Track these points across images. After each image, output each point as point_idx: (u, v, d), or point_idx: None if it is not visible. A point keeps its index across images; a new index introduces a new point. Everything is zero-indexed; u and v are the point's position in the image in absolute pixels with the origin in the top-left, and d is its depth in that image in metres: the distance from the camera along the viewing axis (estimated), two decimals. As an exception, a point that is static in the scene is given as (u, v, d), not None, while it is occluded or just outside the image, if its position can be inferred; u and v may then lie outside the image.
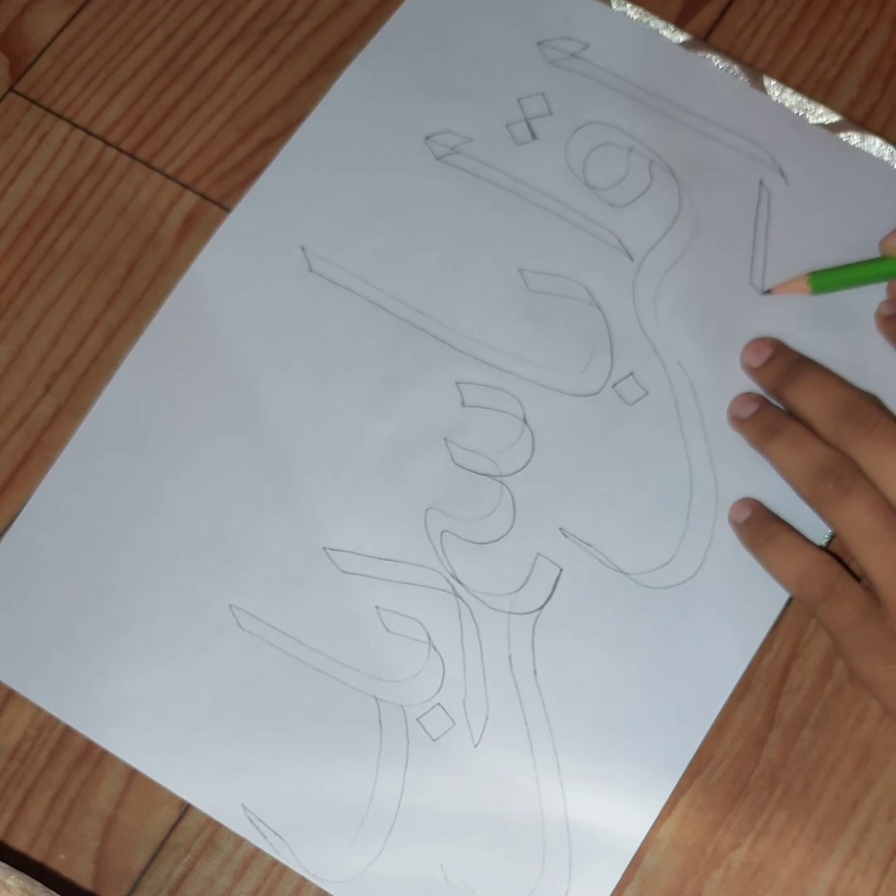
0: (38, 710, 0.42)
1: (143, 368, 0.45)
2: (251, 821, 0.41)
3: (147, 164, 0.48)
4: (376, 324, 0.45)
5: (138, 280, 0.47)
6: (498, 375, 0.44)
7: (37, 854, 0.42)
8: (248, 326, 0.45)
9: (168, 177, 0.48)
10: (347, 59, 0.49)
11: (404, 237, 0.46)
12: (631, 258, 0.45)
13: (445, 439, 0.44)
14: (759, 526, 0.42)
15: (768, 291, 0.45)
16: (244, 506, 0.43)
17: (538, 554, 0.43)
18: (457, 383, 0.44)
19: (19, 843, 0.42)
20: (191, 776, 0.41)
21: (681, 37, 0.47)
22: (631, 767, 0.41)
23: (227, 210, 0.47)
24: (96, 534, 0.43)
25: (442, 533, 0.43)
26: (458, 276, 0.45)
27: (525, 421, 0.44)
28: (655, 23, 0.48)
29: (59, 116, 0.48)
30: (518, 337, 0.45)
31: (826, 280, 0.44)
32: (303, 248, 0.46)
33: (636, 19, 0.48)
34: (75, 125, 0.48)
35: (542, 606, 0.42)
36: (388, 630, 0.42)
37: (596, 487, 0.43)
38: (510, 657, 0.42)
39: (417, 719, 0.41)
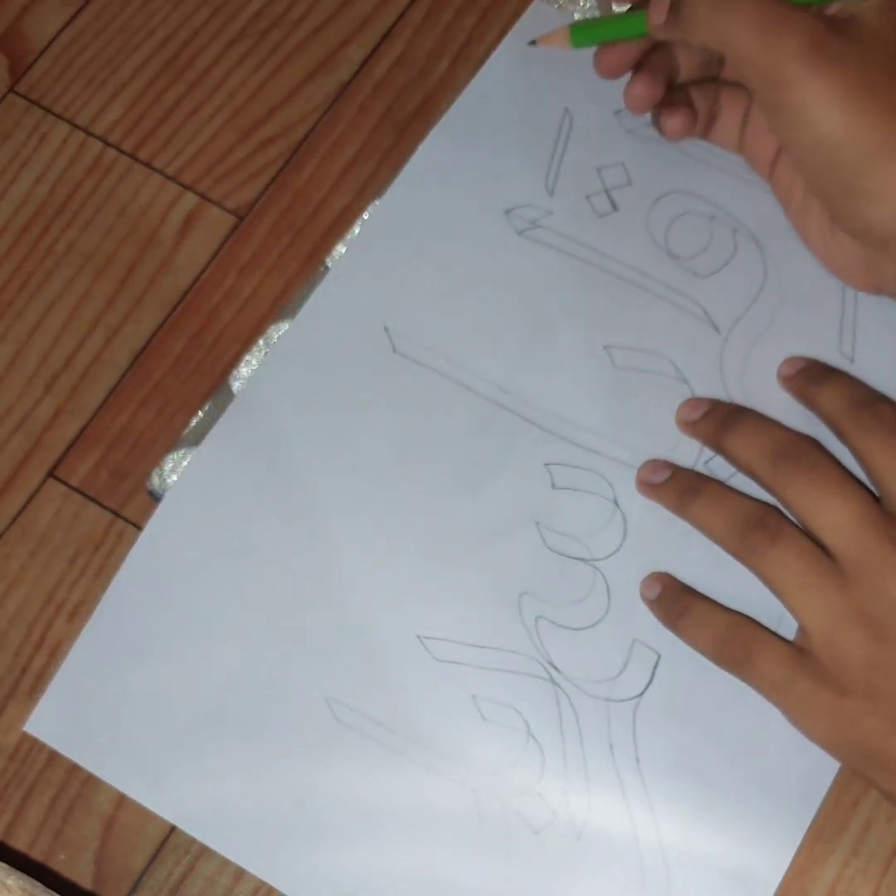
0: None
1: (227, 443, 0.44)
2: None
3: (147, 165, 0.48)
4: (462, 404, 0.44)
5: (138, 281, 0.47)
6: (587, 456, 0.43)
7: (37, 854, 0.42)
8: (333, 408, 0.44)
9: (168, 177, 0.48)
10: (347, 60, 0.49)
11: (487, 314, 0.45)
12: (717, 330, 0.44)
13: (537, 523, 0.43)
14: (670, 602, 0.41)
15: (533, 42, 0.46)
16: (336, 593, 0.42)
17: (635, 639, 0.41)
18: (546, 464, 0.43)
19: (20, 843, 0.42)
20: (290, 869, 0.40)
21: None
22: (738, 857, 0.40)
23: (227, 211, 0.47)
24: (182, 620, 0.42)
25: (536, 619, 0.42)
26: (543, 353, 0.44)
27: (616, 503, 0.43)
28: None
29: (59, 117, 0.49)
30: (606, 416, 0.44)
31: (585, 33, 0.44)
32: (386, 329, 0.45)
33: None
34: (75, 126, 0.48)
35: (642, 693, 0.41)
36: (484, 719, 0.41)
37: (690, 570, 0.42)
38: (611, 746, 0.41)
39: (517, 811, 0.40)
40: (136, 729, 0.41)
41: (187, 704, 0.42)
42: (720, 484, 0.41)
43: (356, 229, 0.46)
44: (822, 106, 0.38)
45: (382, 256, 0.46)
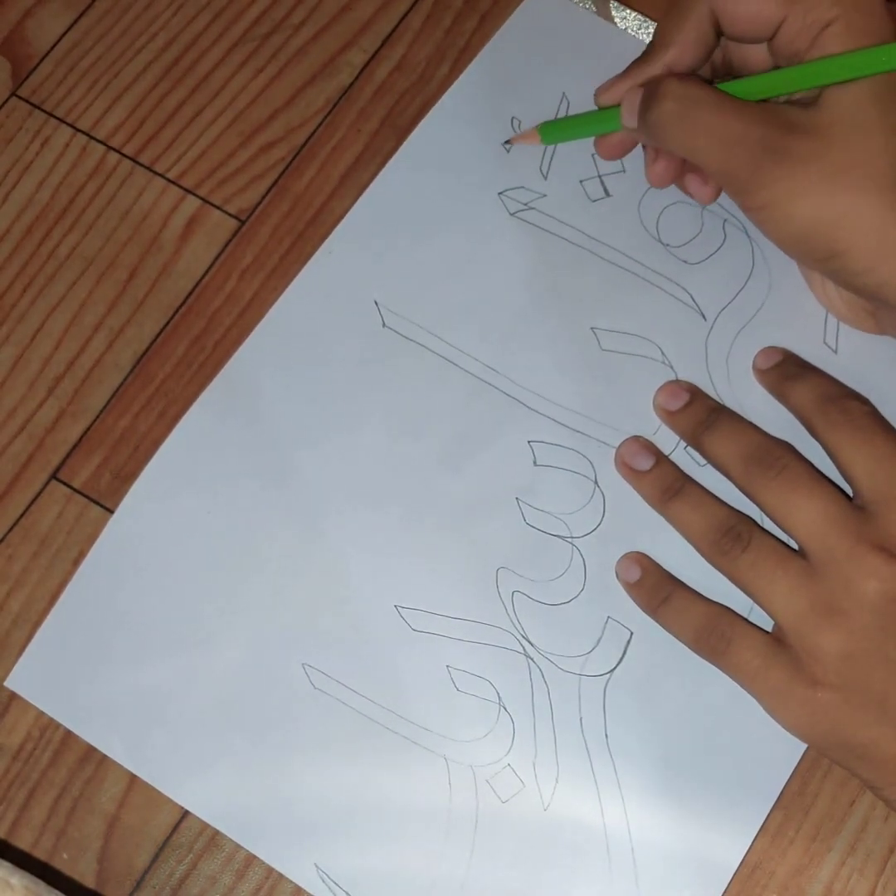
0: (41, 710, 0.42)
1: (214, 409, 0.45)
2: (323, 880, 0.40)
3: (149, 169, 0.48)
4: (449, 380, 0.45)
5: (140, 284, 0.47)
6: (570, 435, 0.44)
7: (40, 853, 0.42)
8: (320, 379, 0.45)
9: (170, 181, 0.48)
10: (348, 64, 0.49)
11: (477, 293, 0.45)
12: (704, 317, 0.45)
13: (517, 499, 0.43)
14: (651, 589, 0.42)
15: (507, 142, 0.46)
16: (316, 560, 0.43)
17: (609, 617, 0.42)
18: (529, 442, 0.44)
19: (23, 842, 0.42)
20: (260, 830, 0.41)
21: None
22: (701, 834, 0.40)
23: (229, 214, 0.47)
24: (167, 585, 0.43)
25: (513, 593, 0.42)
26: (531, 333, 0.45)
27: (596, 482, 0.43)
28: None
29: (62, 121, 0.49)
30: (590, 396, 0.44)
31: (554, 131, 0.45)
32: (376, 303, 0.45)
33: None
34: (77, 130, 0.49)
35: (613, 669, 0.42)
36: (458, 689, 0.42)
37: (665, 551, 0.42)
38: (581, 720, 0.41)
39: (487, 780, 0.41)
40: (115, 689, 0.42)
41: (164, 667, 0.42)
42: (699, 487, 0.42)
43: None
44: (785, 207, 0.39)
45: (376, 232, 0.46)
